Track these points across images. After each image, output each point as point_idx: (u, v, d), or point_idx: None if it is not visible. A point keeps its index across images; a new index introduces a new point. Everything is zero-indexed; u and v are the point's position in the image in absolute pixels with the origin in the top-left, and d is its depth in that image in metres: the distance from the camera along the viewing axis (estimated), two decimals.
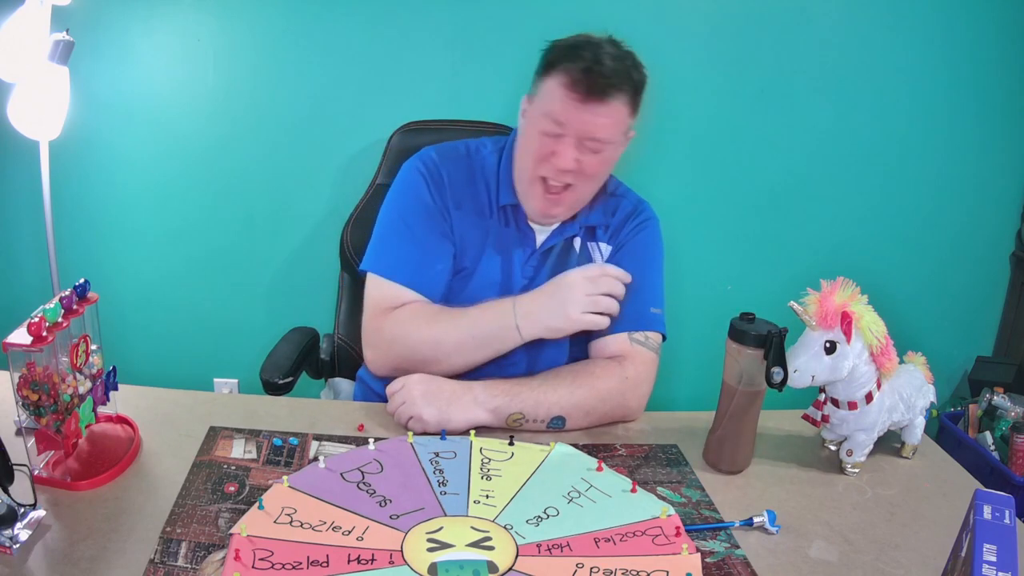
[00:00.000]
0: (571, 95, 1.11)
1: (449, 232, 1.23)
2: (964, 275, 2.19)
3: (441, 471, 0.99)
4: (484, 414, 1.09)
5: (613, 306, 1.12)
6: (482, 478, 0.98)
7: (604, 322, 1.12)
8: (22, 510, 0.82)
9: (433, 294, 1.21)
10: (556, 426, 1.13)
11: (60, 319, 0.89)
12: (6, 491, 0.82)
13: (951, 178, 2.09)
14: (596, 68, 1.10)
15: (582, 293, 1.11)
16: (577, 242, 1.28)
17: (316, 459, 1.00)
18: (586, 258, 1.27)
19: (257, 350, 1.58)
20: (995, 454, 1.92)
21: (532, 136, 1.17)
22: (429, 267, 1.21)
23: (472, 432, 1.07)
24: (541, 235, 1.26)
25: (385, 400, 1.15)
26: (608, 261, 1.25)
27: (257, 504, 0.88)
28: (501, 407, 1.10)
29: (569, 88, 1.11)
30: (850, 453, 1.07)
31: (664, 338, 1.24)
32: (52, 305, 0.88)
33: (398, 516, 0.89)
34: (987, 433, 1.96)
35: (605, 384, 1.14)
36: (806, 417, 1.13)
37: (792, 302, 1.00)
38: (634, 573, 0.82)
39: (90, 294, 0.96)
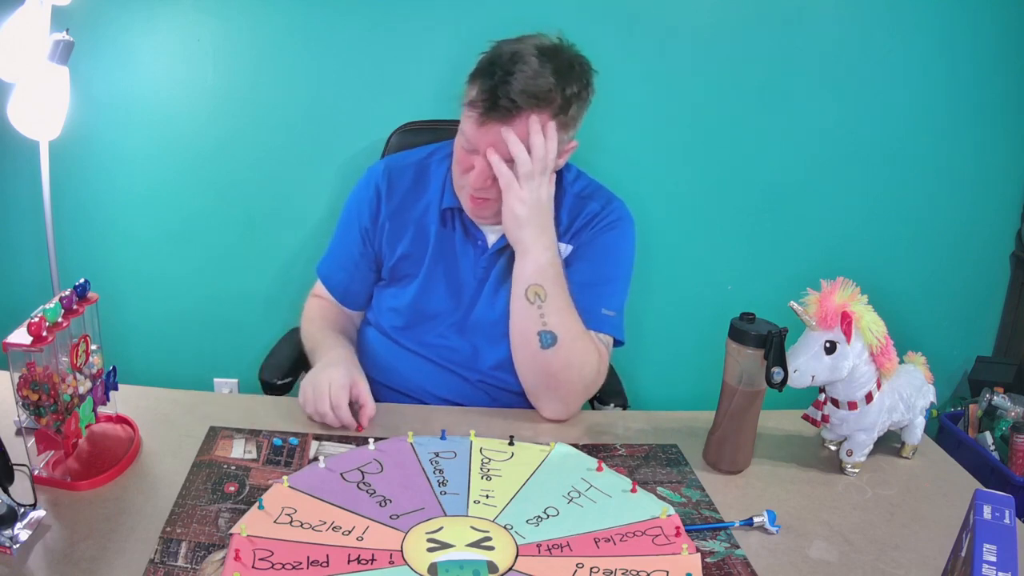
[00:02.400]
0: (472, 113, 1.09)
1: (371, 246, 1.28)
2: (964, 275, 2.19)
3: (441, 471, 0.99)
4: (541, 251, 1.12)
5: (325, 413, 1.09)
6: (482, 478, 0.98)
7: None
8: (22, 510, 0.82)
9: (343, 295, 1.33)
10: (544, 339, 1.12)
11: (60, 319, 0.89)
12: (6, 491, 0.82)
13: (951, 178, 2.09)
14: (501, 88, 1.06)
15: (309, 393, 1.10)
16: None
17: (316, 459, 1.00)
18: None
19: (257, 350, 1.58)
20: (995, 454, 1.92)
21: (456, 148, 1.17)
22: (340, 273, 1.33)
23: (472, 432, 1.07)
24: (492, 236, 1.24)
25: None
26: (565, 260, 1.22)
27: (257, 504, 0.88)
28: (548, 269, 1.13)
29: (471, 106, 1.10)
30: (850, 453, 1.07)
31: (618, 343, 1.24)
32: (52, 305, 0.88)
33: (398, 516, 0.89)
34: (987, 433, 1.96)
35: (590, 358, 1.15)
36: (806, 417, 1.13)
37: (792, 302, 1.00)
38: (634, 573, 0.82)
39: (90, 294, 0.96)
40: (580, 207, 1.25)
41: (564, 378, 1.14)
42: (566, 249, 1.24)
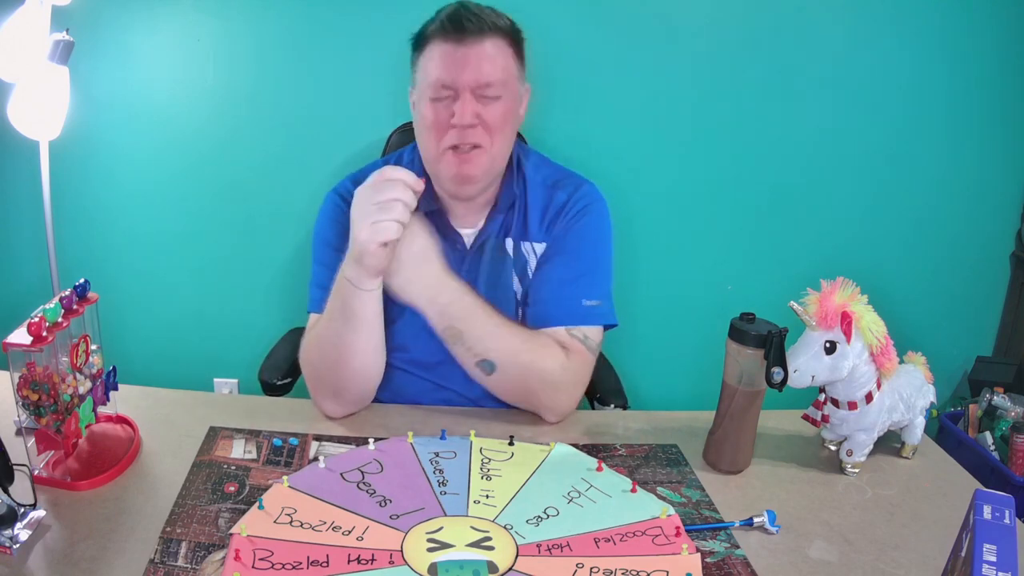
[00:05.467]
0: (447, 43, 1.11)
1: None
2: (964, 275, 2.19)
3: (441, 471, 0.99)
4: (432, 305, 1.09)
5: (401, 211, 1.02)
6: (482, 478, 0.98)
7: (394, 229, 1.02)
8: (22, 510, 0.82)
9: None
10: (485, 368, 1.11)
11: (60, 319, 0.89)
12: (6, 491, 0.82)
13: (951, 178, 2.09)
14: (462, 11, 1.11)
15: (365, 203, 1.03)
16: (510, 244, 1.23)
17: (316, 459, 1.00)
18: (521, 261, 1.23)
19: (257, 350, 1.58)
20: (995, 454, 1.92)
21: (426, 114, 1.14)
22: None
23: (472, 432, 1.07)
24: (468, 236, 1.23)
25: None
26: (541, 257, 1.21)
27: (257, 504, 0.88)
28: (451, 313, 1.10)
29: (443, 38, 1.11)
30: (850, 453, 1.07)
31: (610, 327, 1.22)
32: (52, 305, 0.88)
33: (398, 516, 0.89)
34: (987, 433, 1.96)
35: (547, 363, 1.13)
36: (806, 417, 1.13)
37: (792, 302, 1.00)
38: (634, 573, 0.82)
39: (90, 294, 0.96)
40: (548, 198, 1.23)
41: (530, 389, 1.14)
42: (540, 247, 1.22)
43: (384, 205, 1.02)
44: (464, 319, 1.10)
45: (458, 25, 1.10)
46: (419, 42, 1.15)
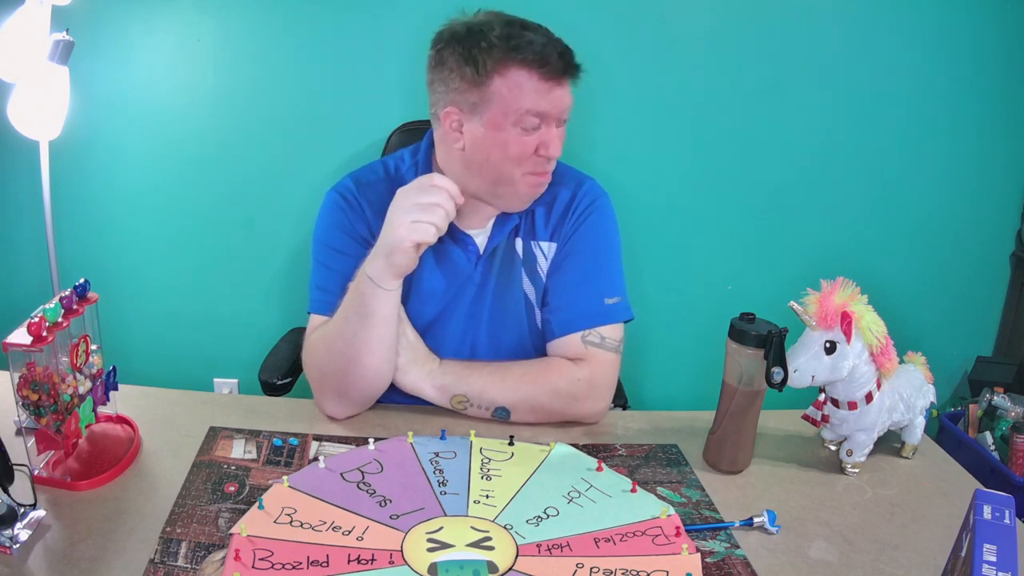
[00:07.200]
0: (548, 80, 1.07)
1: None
2: (964, 275, 2.19)
3: (441, 471, 0.99)
4: (431, 389, 1.13)
5: (442, 217, 1.02)
6: (482, 478, 0.98)
7: (431, 232, 1.02)
8: (22, 510, 0.82)
9: None
10: (501, 416, 1.13)
11: (60, 319, 0.89)
12: (6, 491, 0.82)
13: (951, 178, 2.09)
14: (562, 48, 1.08)
15: (407, 202, 1.03)
16: (519, 243, 1.21)
17: (316, 459, 1.00)
18: (531, 260, 1.21)
19: (257, 350, 1.58)
20: (995, 454, 1.92)
21: (507, 142, 1.09)
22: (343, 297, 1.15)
23: (472, 432, 1.07)
24: (480, 238, 1.20)
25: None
26: (554, 259, 1.21)
27: (257, 504, 0.88)
28: (448, 386, 1.13)
29: (546, 76, 1.07)
30: (850, 453, 1.07)
31: (629, 320, 1.22)
32: (52, 305, 0.88)
33: (398, 516, 0.89)
34: (987, 433, 1.96)
35: (555, 383, 1.13)
36: (806, 417, 1.13)
37: (792, 302, 1.00)
38: (634, 573, 0.82)
39: (90, 294, 0.96)
40: (552, 194, 1.21)
41: (551, 410, 1.14)
42: (550, 248, 1.21)
43: (427, 207, 1.02)
44: (463, 385, 1.13)
45: (567, 65, 1.08)
46: (492, 66, 1.07)
